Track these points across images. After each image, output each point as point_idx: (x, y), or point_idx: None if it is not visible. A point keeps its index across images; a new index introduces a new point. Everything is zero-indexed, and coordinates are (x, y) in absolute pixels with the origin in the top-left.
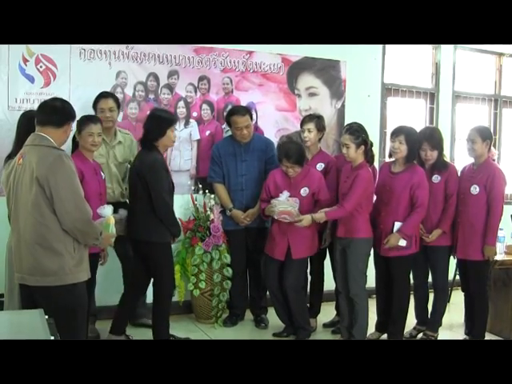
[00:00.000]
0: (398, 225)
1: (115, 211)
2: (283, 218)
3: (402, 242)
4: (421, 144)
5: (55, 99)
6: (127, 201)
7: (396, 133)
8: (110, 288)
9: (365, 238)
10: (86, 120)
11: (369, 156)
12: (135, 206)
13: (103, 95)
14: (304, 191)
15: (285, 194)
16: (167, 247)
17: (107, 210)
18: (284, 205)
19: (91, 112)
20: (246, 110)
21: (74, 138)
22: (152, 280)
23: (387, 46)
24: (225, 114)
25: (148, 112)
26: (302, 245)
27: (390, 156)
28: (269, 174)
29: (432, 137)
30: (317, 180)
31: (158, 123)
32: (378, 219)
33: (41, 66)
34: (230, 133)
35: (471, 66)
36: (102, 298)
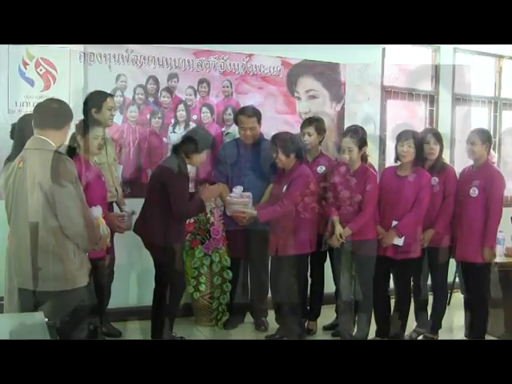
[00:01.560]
0: (395, 223)
1: (110, 210)
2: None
3: (398, 242)
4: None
5: (51, 100)
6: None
7: (405, 136)
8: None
9: (374, 239)
10: (92, 124)
11: (364, 157)
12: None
13: (111, 94)
14: (284, 188)
15: (238, 189)
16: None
17: (96, 211)
18: (236, 205)
19: None
20: (255, 113)
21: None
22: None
23: (387, 48)
24: (224, 116)
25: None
26: (286, 241)
27: (396, 160)
28: None
29: (437, 132)
30: (293, 178)
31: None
32: (384, 222)
33: (41, 70)
34: (229, 136)
35: (471, 68)
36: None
